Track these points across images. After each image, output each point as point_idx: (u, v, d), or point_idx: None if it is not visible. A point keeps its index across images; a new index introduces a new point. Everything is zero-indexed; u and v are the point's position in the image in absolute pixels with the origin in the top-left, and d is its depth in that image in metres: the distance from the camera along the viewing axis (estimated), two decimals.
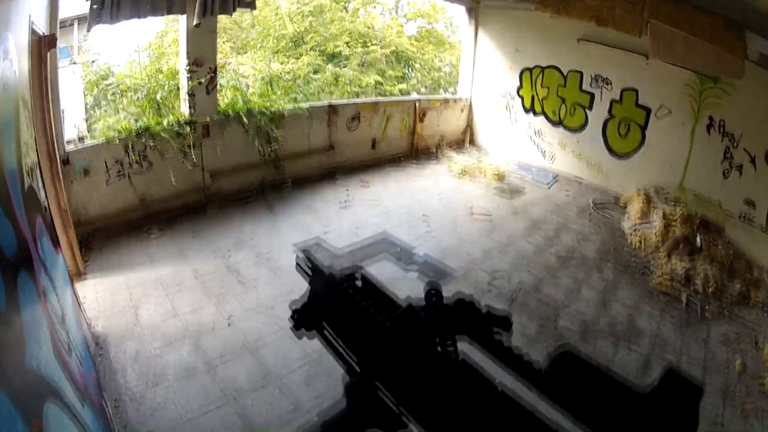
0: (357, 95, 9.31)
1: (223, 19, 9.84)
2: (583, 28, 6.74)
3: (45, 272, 2.31)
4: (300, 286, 4.24)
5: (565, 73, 7.55)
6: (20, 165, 2.21)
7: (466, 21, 8.82)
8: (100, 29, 4.90)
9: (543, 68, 7.79)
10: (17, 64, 2.23)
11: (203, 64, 5.63)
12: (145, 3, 4.86)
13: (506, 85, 8.28)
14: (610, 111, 7.19)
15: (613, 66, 7.01)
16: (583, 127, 7.48)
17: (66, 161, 4.91)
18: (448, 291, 4.20)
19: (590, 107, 7.33)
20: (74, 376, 2.03)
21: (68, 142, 5.35)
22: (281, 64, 10.06)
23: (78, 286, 4.19)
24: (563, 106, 7.57)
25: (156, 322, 3.78)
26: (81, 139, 7.67)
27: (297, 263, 4.39)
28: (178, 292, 4.20)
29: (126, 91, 6.59)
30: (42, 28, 3.73)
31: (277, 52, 10.75)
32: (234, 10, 5.53)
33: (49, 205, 3.18)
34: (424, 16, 13.09)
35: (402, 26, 12.69)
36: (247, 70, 9.15)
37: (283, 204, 6.04)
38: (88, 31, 4.86)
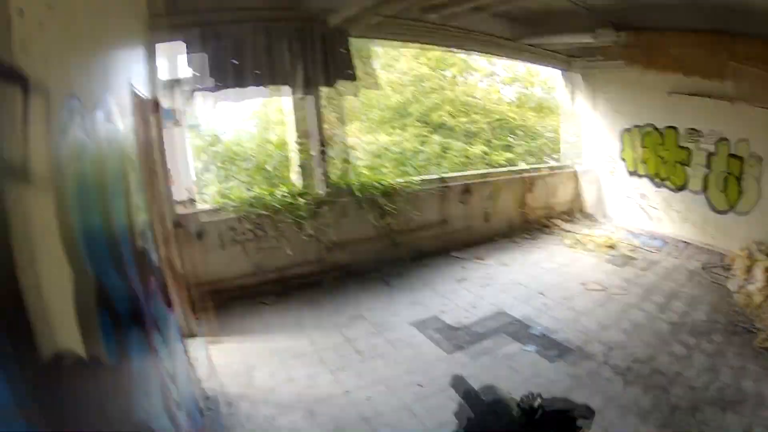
0: (466, 167, 9.67)
1: (327, 90, 10.97)
2: (671, 80, 7.06)
3: (157, 329, 2.59)
4: (419, 364, 4.24)
5: (661, 130, 7.75)
6: (131, 226, 2.55)
7: (563, 84, 9.18)
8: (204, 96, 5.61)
9: (641, 127, 8.02)
10: (121, 126, 2.63)
11: (311, 137, 6.16)
12: (249, 74, 5.51)
13: (608, 149, 8.53)
14: (707, 165, 7.30)
15: (704, 116, 7.13)
16: (684, 185, 7.66)
17: (179, 224, 5.58)
18: (567, 365, 4.14)
19: (688, 163, 7.49)
20: (180, 430, 2.18)
21: (179, 204, 6.10)
22: (388, 135, 10.87)
23: (190, 344, 4.63)
24: (663, 165, 7.79)
25: (270, 386, 3.99)
26: (191, 201, 8.67)
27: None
28: (293, 359, 4.42)
29: (235, 158, 7.48)
30: (144, 92, 4.37)
31: (383, 123, 11.59)
32: (335, 82, 6.02)
33: (161, 266, 3.59)
34: (520, 81, 13.65)
35: (499, 91, 13.35)
36: (355, 142, 9.88)
37: (399, 278, 6.35)
38: (192, 98, 5.61)
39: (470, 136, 11.65)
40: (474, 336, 4.72)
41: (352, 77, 6.24)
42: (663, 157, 7.74)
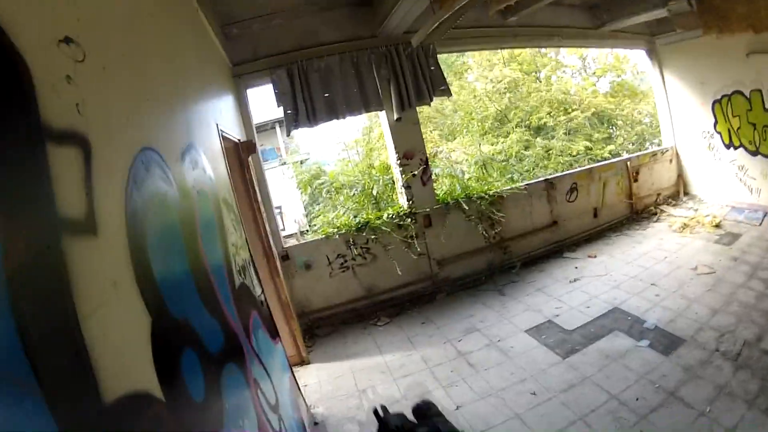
0: (570, 165, 9.46)
1: (425, 109, 11.50)
2: (749, 41, 6.70)
3: (259, 362, 2.69)
4: (533, 372, 4.15)
5: (747, 95, 7.27)
6: (229, 265, 2.70)
7: (649, 65, 8.94)
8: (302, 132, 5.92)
9: (729, 96, 7.59)
10: (211, 170, 2.82)
11: (413, 156, 6.27)
12: (341, 104, 5.76)
13: (703, 124, 8.20)
14: None
15: None
16: None
17: (285, 257, 5.91)
18: (679, 357, 3.97)
19: None
20: None
21: (289, 236, 6.45)
22: (492, 145, 11.08)
23: (301, 372, 4.83)
24: (755, 132, 7.33)
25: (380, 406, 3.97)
26: (303, 233, 9.18)
27: None
28: (404, 377, 4.46)
29: (341, 188, 7.85)
30: (237, 135, 4.70)
31: (484, 134, 11.84)
32: (431, 99, 6.12)
33: (266, 299, 3.77)
34: (611, 70, 13.60)
35: (594, 84, 13.39)
36: (459, 155, 10.10)
37: (512, 286, 6.29)
38: (288, 135, 5.97)
39: (571, 134, 11.44)
40: (588, 337, 4.62)
41: (447, 92, 6.22)
42: (754, 124, 7.24)
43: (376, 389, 4.30)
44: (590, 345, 4.40)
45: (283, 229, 13.77)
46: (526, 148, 10.95)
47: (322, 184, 8.26)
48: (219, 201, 2.94)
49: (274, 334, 3.67)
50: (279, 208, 17.39)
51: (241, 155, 4.65)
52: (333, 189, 7.99)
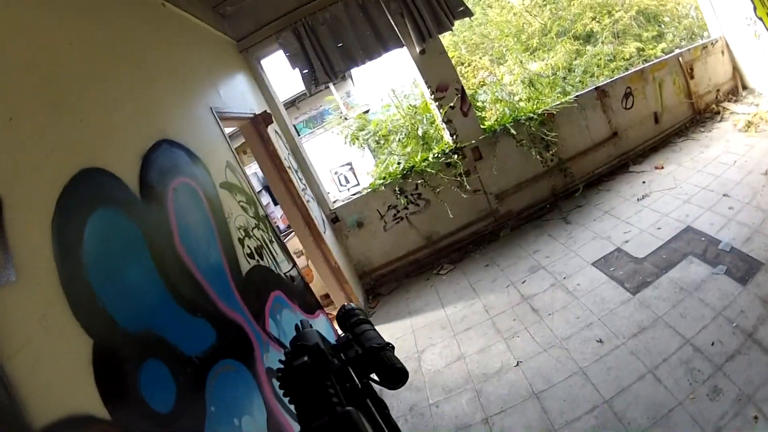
0: (626, 70, 8.85)
1: (473, 36, 11.12)
2: None
3: (279, 347, 2.83)
4: (601, 314, 3.93)
5: None
6: (231, 254, 2.82)
7: None
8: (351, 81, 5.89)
9: None
10: (203, 157, 2.92)
11: (447, 88, 6.00)
12: (358, 51, 5.60)
13: (744, 9, 7.23)
14: None
15: None
16: None
17: (335, 219, 6.05)
18: (758, 286, 3.49)
19: None
20: None
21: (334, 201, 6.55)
22: (542, 60, 10.74)
23: None
24: None
25: (439, 367, 4.07)
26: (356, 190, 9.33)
27: None
28: (465, 331, 4.46)
29: (387, 135, 7.81)
30: (253, 110, 4.77)
31: (534, 50, 11.49)
32: (452, 23, 5.75)
33: (299, 273, 3.91)
34: None
35: None
36: (508, 78, 9.83)
37: (578, 212, 6.01)
38: (310, 94, 5.97)
39: (620, 37, 10.91)
40: (661, 265, 4.25)
41: (468, 13, 5.79)
42: None
43: (435, 348, 4.36)
44: (663, 275, 4.06)
45: (357, 185, 14.09)
46: (577, 58, 10.41)
47: (367, 134, 8.22)
48: (216, 188, 3.04)
49: (313, 308, 3.82)
50: (350, 164, 17.76)
51: (260, 128, 4.74)
52: (381, 137, 7.93)
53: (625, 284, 4.14)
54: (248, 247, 3.14)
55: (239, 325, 2.50)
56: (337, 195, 15.43)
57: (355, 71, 17.53)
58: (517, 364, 3.71)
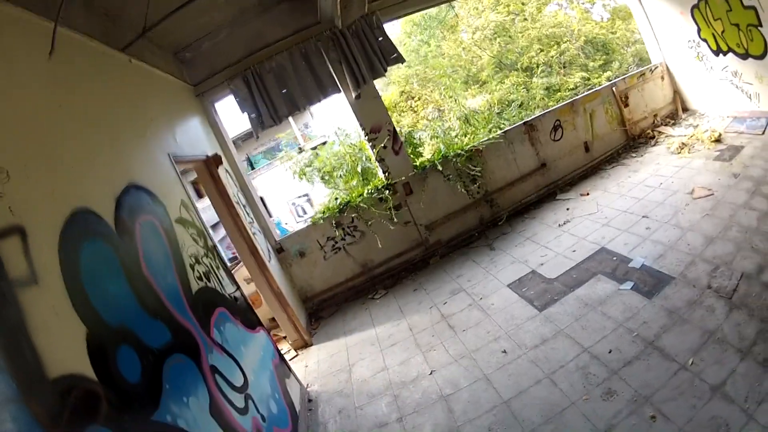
0: (573, 98, 9.72)
1: (427, 71, 12.08)
2: None
3: (221, 350, 3.64)
4: (509, 329, 4.64)
5: None
6: (183, 276, 3.64)
7: None
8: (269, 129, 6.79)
9: None
10: (162, 197, 3.77)
11: (381, 129, 6.96)
12: (300, 97, 6.55)
13: (687, 33, 8.04)
14: None
15: None
16: (765, 50, 6.83)
17: (280, 249, 6.88)
18: (665, 298, 4.05)
19: (759, 23, 6.63)
20: (236, 430, 3.16)
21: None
22: (486, 94, 11.49)
23: (304, 354, 5.84)
24: (740, 33, 7.13)
25: (366, 377, 4.89)
26: (302, 222, 10.16)
27: None
28: (391, 347, 5.27)
29: (331, 171, 8.73)
30: (206, 152, 5.61)
31: (483, 83, 12.32)
32: (385, 69, 6.73)
33: (242, 295, 4.73)
34: None
35: (587, 12, 13.50)
36: (453, 111, 10.67)
37: (503, 239, 6.82)
38: (257, 137, 6.87)
39: (567, 67, 11.86)
40: (569, 284, 4.91)
41: (400, 59, 6.78)
42: (737, 24, 7.06)
43: (364, 362, 5.18)
44: (569, 293, 4.71)
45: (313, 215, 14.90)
46: (527, 89, 11.23)
47: (312, 170, 9.12)
48: (171, 223, 3.87)
49: (253, 324, 4.63)
50: (307, 195, 18.50)
51: (211, 169, 5.59)
52: (326, 173, 8.84)
53: (534, 302, 4.89)
54: (198, 271, 3.95)
55: (188, 330, 3.30)
56: (295, 225, 16.11)
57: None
58: (431, 373, 4.51)
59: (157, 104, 4.83)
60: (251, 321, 4.63)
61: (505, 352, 4.32)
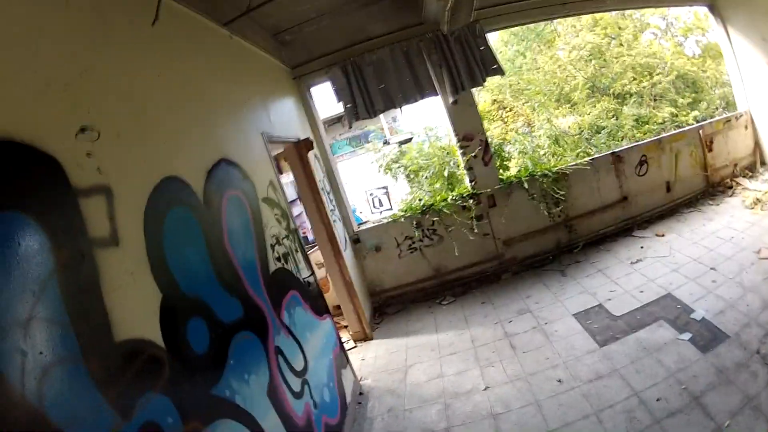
0: (659, 134, 9.43)
1: (520, 82, 11.94)
2: None
3: (287, 333, 3.63)
4: (567, 358, 4.50)
5: None
6: (263, 255, 3.65)
7: (714, 21, 8.44)
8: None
9: None
10: (252, 175, 3.82)
11: (473, 138, 6.85)
12: (397, 94, 6.51)
13: None
14: None
15: None
16: None
17: (357, 240, 6.87)
18: (717, 356, 3.94)
19: None
20: (289, 413, 3.12)
21: (360, 224, 7.37)
22: (577, 115, 11.34)
23: (363, 347, 5.79)
24: None
25: (420, 381, 4.80)
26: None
27: None
28: (450, 356, 5.18)
29: (417, 170, 8.67)
30: (297, 135, 5.66)
31: (574, 104, 12.15)
32: (484, 80, 6.62)
33: (316, 280, 4.72)
34: (694, 29, 13.14)
35: (680, 45, 13.13)
36: (544, 130, 10.50)
37: (575, 266, 6.64)
38: (350, 127, 6.86)
39: (657, 100, 11.53)
40: (632, 325, 4.78)
41: (500, 71, 6.61)
42: None
43: (422, 365, 5.09)
44: (631, 334, 4.60)
45: (390, 209, 14.91)
46: (615, 117, 10.96)
47: (400, 167, 9.06)
48: (258, 201, 3.91)
49: (321, 311, 4.62)
50: (385, 188, 18.56)
51: (301, 152, 5.63)
52: (411, 172, 8.76)
53: (596, 336, 4.73)
54: (277, 252, 3.97)
55: (260, 309, 3.31)
56: (370, 216, 16.23)
57: None
58: (485, 389, 4.38)
59: (254, 82, 4.91)
60: (320, 307, 4.62)
61: (560, 381, 4.20)
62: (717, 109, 11.65)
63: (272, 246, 3.91)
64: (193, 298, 2.58)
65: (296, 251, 4.47)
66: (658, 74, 11.80)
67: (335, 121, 20.64)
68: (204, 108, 3.52)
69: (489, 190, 6.79)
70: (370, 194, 18.80)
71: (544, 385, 4.21)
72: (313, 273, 4.74)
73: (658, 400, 3.58)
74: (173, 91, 3.17)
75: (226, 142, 3.64)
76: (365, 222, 7.50)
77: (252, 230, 3.62)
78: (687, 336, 4.32)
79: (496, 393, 4.28)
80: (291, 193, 6.44)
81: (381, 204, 18.21)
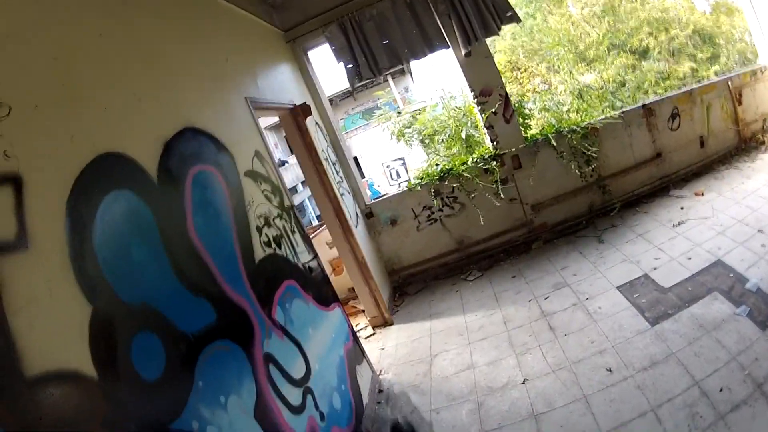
0: (680, 89, 8.78)
1: (533, 42, 11.35)
2: None
3: (282, 334, 3.03)
4: (616, 341, 3.88)
5: None
6: (246, 241, 3.04)
7: None
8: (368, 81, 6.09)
9: None
10: (231, 145, 3.20)
11: (491, 93, 6.08)
12: (403, 49, 5.78)
13: None
14: None
15: None
16: None
17: (370, 214, 6.23)
18: None
19: None
20: None
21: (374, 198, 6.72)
22: (596, 72, 11.10)
23: (383, 333, 5.18)
24: None
25: (448, 374, 4.18)
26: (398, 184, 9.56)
27: None
28: (481, 341, 4.55)
29: (432, 134, 7.97)
30: (293, 101, 5.00)
31: (591, 61, 11.81)
32: (499, 28, 5.83)
33: (319, 264, 4.10)
34: None
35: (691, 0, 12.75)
36: (561, 88, 10.01)
37: (612, 232, 5.98)
38: (353, 88, 6.20)
39: (675, 55, 11.26)
40: (684, 298, 4.16)
41: (515, 18, 5.83)
42: None
43: (448, 354, 4.47)
44: (684, 309, 3.99)
45: (408, 180, 14.35)
46: (633, 72, 10.76)
47: (413, 132, 8.38)
48: (239, 176, 3.27)
49: (328, 300, 4.00)
50: (402, 159, 17.93)
51: (297, 119, 4.97)
52: (426, 136, 8.07)
53: (645, 313, 4.08)
54: (266, 235, 3.35)
55: (242, 308, 2.70)
56: (388, 189, 15.67)
57: (414, 68, 17.87)
58: (524, 382, 3.75)
59: (236, 45, 4.23)
60: (326, 296, 4.00)
61: (610, 370, 3.56)
62: (735, 64, 11.43)
63: (259, 228, 3.29)
64: (139, 307, 1.98)
65: (293, 232, 3.84)
66: (674, 29, 11.50)
67: (346, 95, 19.99)
68: (162, 71, 2.87)
69: (513, 149, 6.06)
70: (387, 166, 18.18)
71: (592, 375, 3.56)
72: (316, 256, 4.12)
73: (720, 390, 3.03)
74: (120, 53, 2.52)
75: (194, 109, 3.00)
76: (383, 195, 6.83)
77: (230, 212, 2.99)
78: (744, 311, 3.72)
79: (537, 387, 3.65)
80: (300, 174, 5.82)
81: (399, 176, 17.60)
